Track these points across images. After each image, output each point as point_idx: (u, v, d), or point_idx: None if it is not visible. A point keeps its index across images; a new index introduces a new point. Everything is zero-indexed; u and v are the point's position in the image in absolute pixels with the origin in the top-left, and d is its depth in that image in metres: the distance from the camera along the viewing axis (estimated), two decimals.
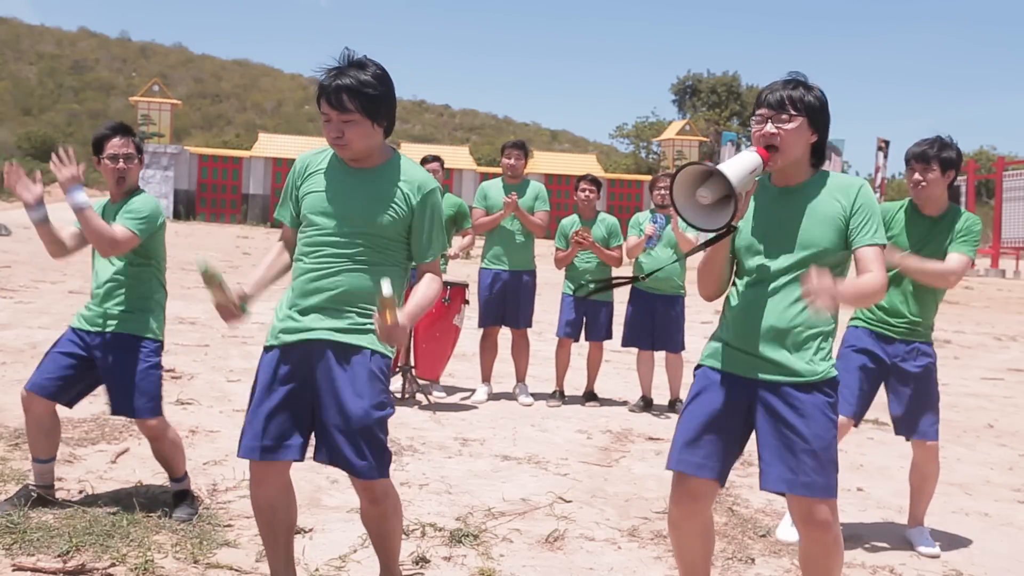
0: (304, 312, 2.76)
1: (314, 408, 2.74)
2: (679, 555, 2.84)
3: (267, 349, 2.80)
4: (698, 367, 2.81)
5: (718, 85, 53.11)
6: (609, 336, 6.92)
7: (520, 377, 6.93)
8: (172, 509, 3.77)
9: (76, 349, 3.75)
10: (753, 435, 2.72)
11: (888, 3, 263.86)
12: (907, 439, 3.97)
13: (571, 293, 6.84)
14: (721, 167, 2.44)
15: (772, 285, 2.65)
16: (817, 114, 2.65)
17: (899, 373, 3.89)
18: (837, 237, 2.62)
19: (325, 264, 2.75)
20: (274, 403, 2.72)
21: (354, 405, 2.67)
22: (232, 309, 2.79)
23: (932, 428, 3.88)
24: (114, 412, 3.79)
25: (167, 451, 3.81)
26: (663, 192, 6.62)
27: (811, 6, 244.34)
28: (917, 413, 3.87)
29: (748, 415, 2.69)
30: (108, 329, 3.73)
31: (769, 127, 2.63)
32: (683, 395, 6.74)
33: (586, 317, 6.84)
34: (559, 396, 6.81)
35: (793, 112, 2.62)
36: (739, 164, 2.50)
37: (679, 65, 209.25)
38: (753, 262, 2.68)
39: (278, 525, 2.84)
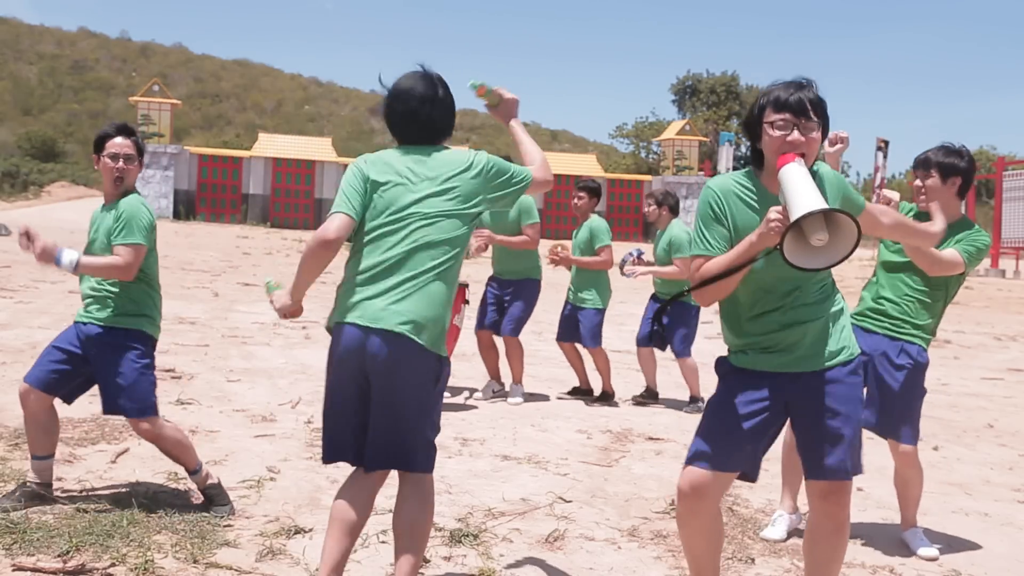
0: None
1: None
2: (694, 542, 2.76)
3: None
4: (726, 371, 2.76)
5: (717, 85, 53.04)
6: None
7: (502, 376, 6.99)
8: (209, 506, 3.82)
9: (71, 344, 3.78)
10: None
11: (888, 3, 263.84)
12: (884, 437, 3.86)
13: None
14: (814, 204, 2.31)
15: (786, 287, 2.65)
16: (827, 119, 2.63)
17: (877, 368, 3.77)
18: None
19: None
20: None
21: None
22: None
23: (907, 433, 3.77)
24: (105, 411, 3.81)
25: (171, 450, 3.83)
26: (651, 209, 6.82)
27: (811, 6, 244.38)
28: (891, 414, 3.76)
29: (784, 411, 2.69)
30: (100, 323, 3.73)
31: (796, 135, 2.56)
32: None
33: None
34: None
35: (816, 119, 2.57)
36: (811, 187, 2.39)
37: (679, 65, 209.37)
38: (763, 268, 2.63)
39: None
